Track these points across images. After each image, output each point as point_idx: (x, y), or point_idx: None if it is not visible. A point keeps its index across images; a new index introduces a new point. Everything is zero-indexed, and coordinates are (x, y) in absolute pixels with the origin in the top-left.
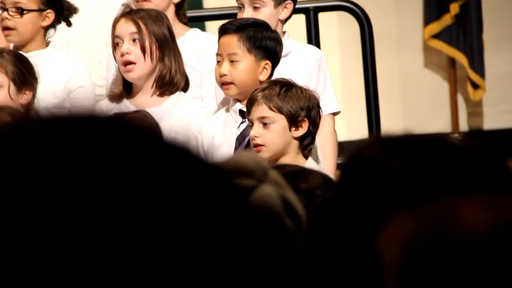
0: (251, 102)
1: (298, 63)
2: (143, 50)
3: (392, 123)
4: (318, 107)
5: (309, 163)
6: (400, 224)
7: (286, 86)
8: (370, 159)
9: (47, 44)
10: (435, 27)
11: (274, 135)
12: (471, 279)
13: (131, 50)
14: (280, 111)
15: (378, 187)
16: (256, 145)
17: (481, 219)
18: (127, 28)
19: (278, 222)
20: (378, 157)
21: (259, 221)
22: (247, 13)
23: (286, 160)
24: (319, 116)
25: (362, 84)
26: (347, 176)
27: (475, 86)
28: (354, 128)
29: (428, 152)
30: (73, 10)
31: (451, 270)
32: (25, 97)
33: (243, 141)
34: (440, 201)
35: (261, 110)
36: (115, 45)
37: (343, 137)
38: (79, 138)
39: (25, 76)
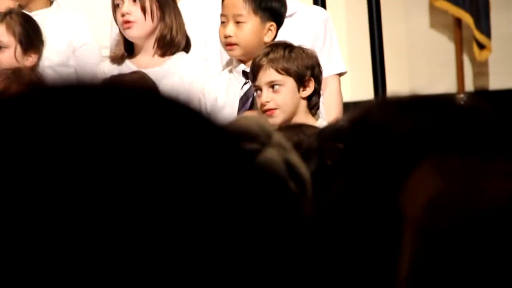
0: (256, 68)
1: (304, 24)
2: (143, 10)
3: (398, 83)
4: (319, 65)
5: (320, 123)
6: (423, 181)
7: (288, 47)
8: (377, 121)
9: (50, 3)
10: None
11: (286, 97)
12: (492, 248)
13: (131, 10)
14: (288, 73)
15: (390, 148)
16: (268, 110)
17: (505, 187)
18: None
19: (282, 185)
20: (385, 118)
21: (266, 185)
22: None
23: (297, 120)
24: (321, 73)
25: (368, 45)
26: (355, 139)
27: (481, 46)
28: (360, 89)
29: (436, 112)
30: None
31: (473, 238)
32: (30, 60)
33: (246, 102)
34: (465, 162)
35: (269, 74)
36: (115, 6)
37: (348, 97)
38: (74, 111)
39: (32, 39)
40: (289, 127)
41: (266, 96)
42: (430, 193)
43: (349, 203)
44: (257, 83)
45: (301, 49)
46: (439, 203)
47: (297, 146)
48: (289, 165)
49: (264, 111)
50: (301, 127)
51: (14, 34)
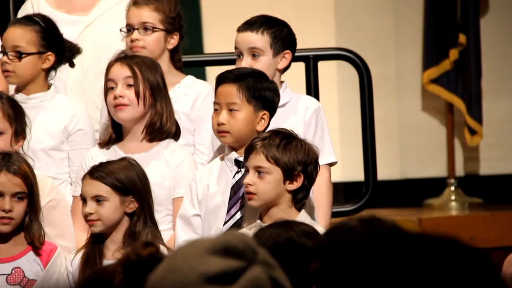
0: (249, 150)
1: (296, 113)
2: (137, 94)
3: (389, 166)
4: (316, 162)
5: (302, 216)
6: None
7: (287, 138)
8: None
9: (48, 86)
10: (434, 72)
11: (268, 185)
12: None
13: (125, 93)
14: (276, 163)
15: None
16: (248, 193)
17: None
18: (122, 72)
19: None
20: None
21: None
22: (246, 62)
23: (278, 211)
24: (316, 171)
25: (360, 126)
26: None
27: (472, 131)
28: (351, 170)
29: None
30: (76, 50)
31: None
32: (19, 144)
33: (238, 190)
34: None
35: (258, 159)
36: (108, 89)
37: (339, 178)
38: None
39: (22, 124)
40: (279, 224)
41: (249, 179)
42: None
43: None
44: (246, 163)
45: (301, 142)
46: None
47: (287, 242)
48: (274, 282)
49: (245, 193)
50: (291, 224)
51: (9, 120)
